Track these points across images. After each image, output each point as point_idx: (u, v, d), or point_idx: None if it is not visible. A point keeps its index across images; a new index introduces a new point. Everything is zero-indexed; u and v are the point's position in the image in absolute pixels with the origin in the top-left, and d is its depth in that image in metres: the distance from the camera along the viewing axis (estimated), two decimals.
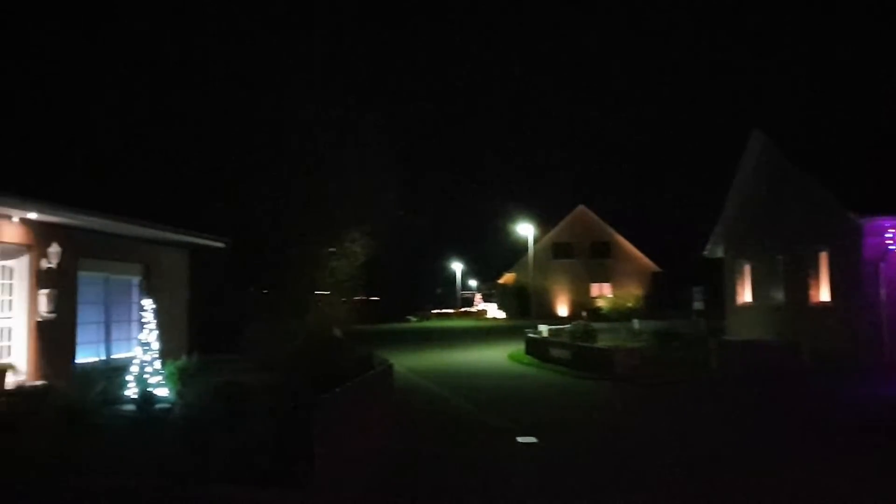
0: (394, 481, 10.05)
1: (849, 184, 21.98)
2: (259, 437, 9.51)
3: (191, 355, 16.75)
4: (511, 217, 61.27)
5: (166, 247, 18.36)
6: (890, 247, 20.98)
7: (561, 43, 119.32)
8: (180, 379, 14.92)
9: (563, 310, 60.80)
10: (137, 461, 9.64)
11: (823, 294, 23.87)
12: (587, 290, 61.97)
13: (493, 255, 73.29)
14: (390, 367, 16.15)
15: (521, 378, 22.79)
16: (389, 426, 13.40)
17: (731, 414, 15.22)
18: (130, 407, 13.54)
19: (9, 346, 13.27)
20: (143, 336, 14.82)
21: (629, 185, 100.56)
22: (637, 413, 16.15)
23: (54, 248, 13.74)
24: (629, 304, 50.93)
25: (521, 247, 60.15)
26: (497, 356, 29.78)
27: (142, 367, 14.45)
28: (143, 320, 15.08)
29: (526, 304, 57.54)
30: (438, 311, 76.90)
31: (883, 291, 21.06)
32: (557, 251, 63.32)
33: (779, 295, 26.69)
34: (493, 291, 74.29)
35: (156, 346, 14.83)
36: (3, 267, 13.29)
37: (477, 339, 40.07)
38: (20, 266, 13.57)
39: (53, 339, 13.81)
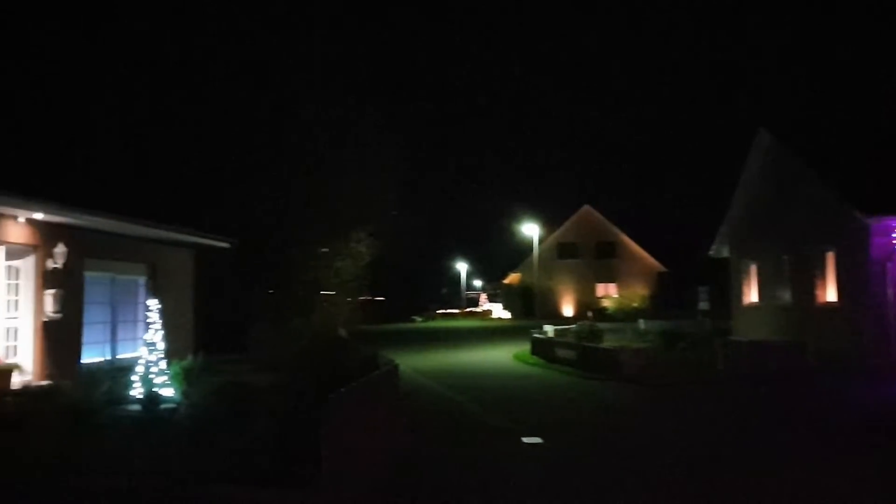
0: (399, 481, 10.03)
1: (855, 183, 21.89)
2: (264, 437, 9.51)
3: (196, 355, 16.77)
4: (516, 217, 61.29)
5: (172, 247, 18.38)
6: None
7: (563, 43, 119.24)
8: (186, 379, 14.93)
9: (568, 310, 60.74)
10: (142, 461, 9.65)
11: (830, 294, 23.78)
12: (592, 291, 61.91)
13: (498, 256, 73.36)
14: (396, 367, 16.14)
15: (526, 378, 22.75)
16: (395, 426, 13.38)
17: (737, 415, 15.16)
18: (136, 407, 13.55)
19: (15, 346, 13.30)
20: (149, 336, 14.82)
21: (634, 185, 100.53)
22: (643, 414, 16.10)
23: (60, 249, 13.77)
24: (635, 305, 50.85)
25: (526, 247, 60.10)
26: (502, 356, 29.75)
27: (147, 367, 14.46)
28: (148, 320, 15.08)
29: (531, 305, 57.51)
30: (443, 311, 76.89)
31: (890, 291, 20.96)
32: (563, 251, 63.25)
33: (785, 295, 26.60)
34: (498, 291, 74.27)
35: (161, 346, 14.83)
36: (10, 267, 13.32)
37: (482, 339, 40.04)
38: (26, 266, 13.60)
39: (59, 339, 13.84)
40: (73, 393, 12.54)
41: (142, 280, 17.73)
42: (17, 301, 13.48)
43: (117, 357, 16.32)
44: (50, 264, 13.73)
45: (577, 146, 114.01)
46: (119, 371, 14.93)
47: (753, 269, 29.61)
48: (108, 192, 19.48)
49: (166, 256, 18.26)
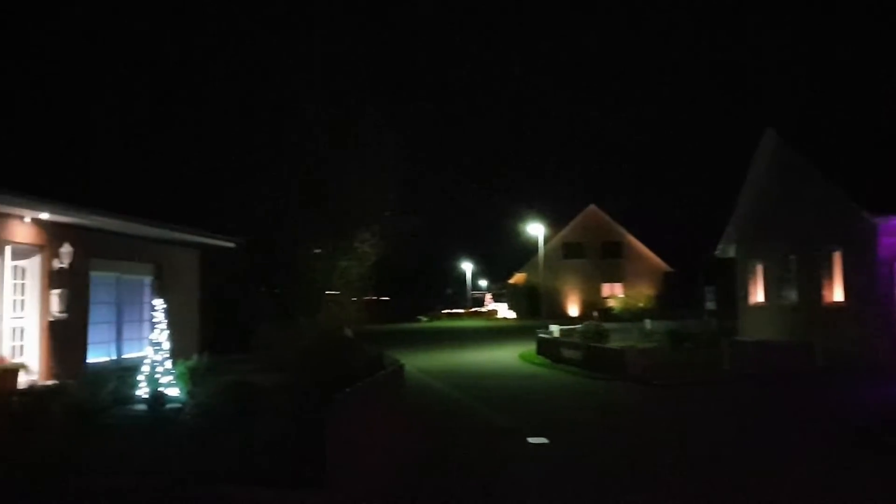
0: (404, 482, 10.01)
1: (863, 183, 21.81)
2: (270, 437, 9.49)
3: (202, 355, 16.75)
4: (521, 217, 61.21)
5: (178, 247, 18.39)
6: None
7: (565, 43, 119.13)
8: (191, 379, 14.91)
9: (573, 310, 60.67)
10: (148, 461, 9.65)
11: (837, 294, 23.69)
12: (598, 290, 61.83)
13: (503, 256, 73.30)
14: (401, 367, 16.12)
15: (532, 378, 22.72)
16: (400, 427, 13.37)
17: (744, 415, 15.10)
18: (141, 407, 13.54)
19: (21, 346, 13.31)
20: (155, 336, 14.81)
21: (640, 184, 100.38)
22: (649, 414, 16.06)
23: (66, 249, 13.78)
24: (641, 305, 50.70)
25: (531, 247, 60.05)
26: (508, 356, 29.72)
27: (153, 367, 14.45)
28: (154, 320, 15.08)
29: (536, 305, 57.45)
30: (449, 311, 76.90)
31: None
32: (568, 251, 63.18)
33: (792, 295, 26.51)
34: (504, 291, 74.22)
35: (167, 345, 14.82)
36: (16, 267, 13.33)
37: (487, 339, 40.02)
38: (32, 266, 13.62)
39: (65, 338, 13.85)
40: (79, 392, 12.54)
41: (147, 280, 17.73)
42: (23, 301, 13.49)
43: (123, 357, 16.32)
44: (56, 264, 13.73)
45: (582, 146, 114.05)
46: (125, 371, 14.93)
47: (760, 268, 29.51)
48: (113, 193, 19.51)
49: (172, 256, 18.27)
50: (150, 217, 15.71)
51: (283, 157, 19.05)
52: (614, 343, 26.73)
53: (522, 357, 29.03)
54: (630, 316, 43.24)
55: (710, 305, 32.75)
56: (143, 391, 14.17)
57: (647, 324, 34.74)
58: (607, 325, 31.18)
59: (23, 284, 13.53)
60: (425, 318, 67.27)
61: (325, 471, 8.24)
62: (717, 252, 32.58)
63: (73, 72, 23.99)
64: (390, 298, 60.11)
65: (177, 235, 17.27)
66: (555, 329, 31.52)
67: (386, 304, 56.89)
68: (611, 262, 62.76)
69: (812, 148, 24.95)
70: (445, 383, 21.39)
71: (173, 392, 14.19)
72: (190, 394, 14.00)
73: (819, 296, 24.35)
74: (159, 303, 15.31)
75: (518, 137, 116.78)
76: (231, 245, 19.41)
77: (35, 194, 12.45)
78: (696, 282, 39.44)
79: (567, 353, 25.89)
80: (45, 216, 13.06)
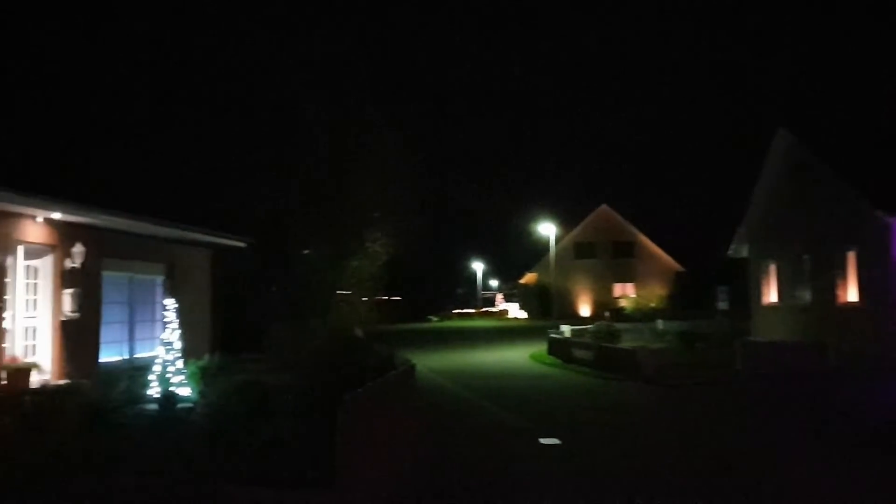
0: (415, 482, 9.97)
1: (877, 182, 21.63)
2: (280, 437, 9.48)
3: (213, 355, 16.80)
4: (532, 217, 61.12)
5: (189, 247, 18.43)
6: None
7: (573, 43, 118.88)
8: (202, 378, 14.95)
9: (585, 310, 60.49)
10: (158, 461, 9.65)
11: (851, 294, 23.51)
12: (610, 290, 61.63)
13: (514, 255, 73.24)
14: (412, 367, 16.09)
15: (543, 378, 22.66)
16: (412, 427, 13.33)
17: (757, 416, 14.99)
18: (153, 406, 13.59)
19: (34, 346, 13.36)
20: (166, 335, 14.86)
21: (652, 184, 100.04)
22: (661, 415, 15.97)
23: (78, 248, 13.82)
24: (653, 305, 50.52)
25: (542, 247, 59.94)
26: (519, 357, 29.66)
27: (164, 367, 14.50)
28: (165, 320, 15.12)
29: (548, 305, 57.33)
30: (459, 311, 76.88)
31: None
32: (579, 251, 63.01)
33: (805, 295, 26.33)
34: (515, 291, 74.12)
35: (178, 345, 14.87)
36: (28, 267, 13.38)
37: (498, 339, 39.96)
38: (45, 266, 13.66)
39: (77, 338, 13.90)
40: (91, 392, 12.58)
41: (159, 279, 17.77)
42: (35, 300, 13.53)
43: (135, 356, 16.36)
44: (68, 264, 13.77)
45: (593, 146, 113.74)
46: (136, 370, 14.97)
47: (773, 268, 29.33)
48: (124, 193, 19.58)
49: (184, 256, 18.30)
50: (162, 217, 15.74)
51: (292, 157, 19.04)
52: (626, 343, 26.63)
53: (533, 357, 28.96)
54: (642, 316, 43.08)
55: (723, 305, 32.52)
56: (154, 391, 14.22)
57: (659, 324, 34.59)
58: (619, 326, 31.08)
59: (35, 284, 13.58)
60: (436, 318, 67.24)
61: (335, 471, 8.20)
62: (729, 252, 32.41)
63: (81, 73, 24.13)
64: (401, 298, 60.08)
65: (188, 235, 17.30)
66: (566, 329, 31.44)
67: (397, 303, 56.86)
68: (622, 262, 62.54)
69: (825, 147, 24.77)
70: (456, 383, 21.35)
71: (185, 392, 14.23)
72: (201, 393, 14.05)
73: (833, 296, 24.18)
74: (171, 302, 15.36)
75: (531, 138, 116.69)
76: (242, 244, 19.44)
77: (47, 194, 12.50)
78: (709, 282, 39.19)
79: (578, 353, 25.81)
80: (57, 216, 13.10)
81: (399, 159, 18.39)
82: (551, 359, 27.92)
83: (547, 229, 57.40)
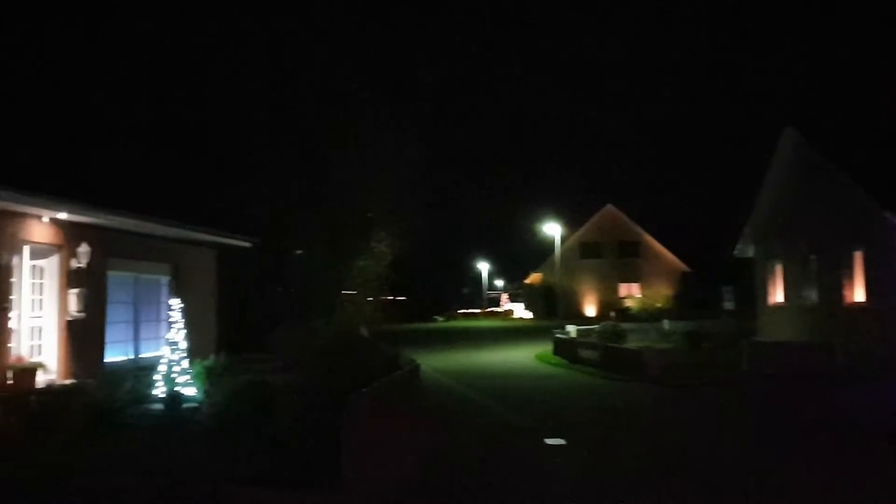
0: (421, 483, 9.95)
1: (884, 182, 21.53)
2: (285, 437, 9.47)
3: (218, 355, 16.82)
4: (538, 216, 61.01)
5: (194, 247, 18.45)
6: None
7: (579, 43, 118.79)
8: (208, 378, 14.95)
9: (590, 310, 60.42)
10: (164, 461, 9.64)
11: (858, 294, 23.42)
12: (615, 290, 61.53)
13: (519, 255, 73.14)
14: (417, 367, 16.06)
15: (548, 379, 22.62)
16: (416, 427, 13.30)
17: (764, 416, 14.93)
18: (158, 406, 13.59)
19: (39, 345, 13.39)
20: (172, 335, 14.87)
21: (658, 184, 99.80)
22: (668, 415, 15.93)
23: (84, 248, 13.84)
24: (658, 305, 50.44)
25: (548, 246, 59.84)
26: (524, 357, 29.62)
27: (170, 367, 14.50)
28: (171, 320, 15.13)
29: (553, 305, 57.26)
30: (465, 311, 76.84)
31: None
32: (585, 251, 62.93)
33: (812, 295, 26.24)
34: (520, 291, 74.08)
35: (184, 345, 14.87)
36: (34, 266, 13.40)
37: (504, 339, 39.93)
38: (50, 266, 13.69)
39: (83, 338, 13.91)
40: (97, 392, 12.60)
41: (165, 279, 17.79)
42: (41, 300, 13.56)
43: (140, 356, 16.39)
44: (74, 264, 13.79)
45: (599, 146, 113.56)
46: (142, 370, 14.99)
47: (779, 269, 29.23)
48: (129, 193, 19.59)
49: (189, 256, 18.32)
50: (167, 217, 15.76)
51: (295, 157, 19.05)
52: (632, 343, 26.58)
53: (539, 357, 28.92)
54: (647, 316, 43.03)
55: (729, 306, 32.47)
56: (160, 390, 14.22)
57: (665, 324, 34.53)
58: (624, 326, 31.05)
59: (41, 284, 13.60)
60: (441, 318, 67.23)
61: (341, 471, 8.19)
62: (735, 252, 32.30)
63: (84, 73, 24.16)
64: (406, 298, 60.08)
65: (193, 235, 17.32)
66: (571, 329, 31.40)
67: (402, 303, 56.86)
68: (628, 262, 62.43)
69: (832, 147, 24.67)
70: (462, 383, 21.33)
71: (190, 391, 14.23)
72: (206, 393, 14.04)
73: (840, 296, 24.08)
74: (176, 302, 15.36)
75: (535, 137, 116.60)
76: (247, 245, 19.46)
77: (53, 194, 12.51)
78: (715, 282, 39.12)
79: (584, 353, 25.76)
80: (63, 216, 13.12)
81: (402, 159, 18.40)
82: (557, 359, 27.87)
83: (552, 229, 57.29)
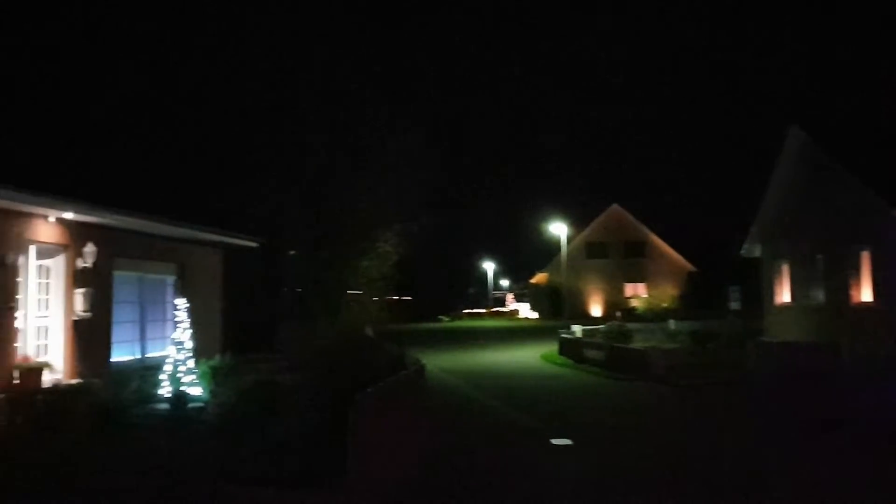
0: (426, 483, 9.94)
1: (892, 181, 21.43)
2: (291, 437, 9.46)
3: (224, 354, 16.79)
4: (543, 216, 60.95)
5: (200, 246, 18.45)
6: None
7: (592, 41, 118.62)
8: (213, 378, 14.95)
9: (596, 310, 60.32)
10: (169, 461, 9.65)
11: (865, 294, 23.32)
12: (621, 290, 61.42)
13: (525, 255, 73.13)
14: (423, 367, 16.05)
15: (554, 379, 22.59)
16: (422, 427, 13.29)
17: (770, 417, 14.87)
18: (164, 406, 13.60)
19: (45, 345, 13.40)
20: (177, 335, 14.88)
21: (664, 184, 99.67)
22: (674, 416, 15.89)
23: (90, 248, 13.85)
24: (664, 305, 50.33)
25: (553, 246, 59.78)
26: (530, 357, 29.59)
27: (175, 366, 14.51)
28: (177, 319, 15.14)
29: (559, 305, 57.19)
30: (470, 311, 76.77)
31: None
32: (591, 251, 62.82)
33: (818, 295, 26.13)
34: (526, 291, 73.98)
35: (189, 345, 14.88)
36: (40, 266, 13.42)
37: (509, 339, 39.90)
38: (56, 265, 13.70)
39: (89, 337, 13.93)
40: (103, 391, 12.60)
41: (170, 279, 17.80)
42: (47, 300, 13.57)
43: (146, 356, 16.39)
44: (80, 263, 13.80)
45: (605, 146, 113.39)
46: (148, 370, 15.00)
47: (786, 268, 29.13)
48: (134, 193, 19.64)
49: (195, 256, 18.33)
50: (173, 216, 15.76)
51: (301, 158, 19.06)
52: (638, 343, 26.51)
53: (545, 357, 28.89)
54: (653, 316, 42.93)
55: (735, 305, 32.36)
56: (165, 390, 14.24)
57: (671, 324, 34.43)
58: (630, 326, 30.96)
59: (47, 284, 13.62)
60: (447, 318, 67.19)
61: (347, 471, 8.18)
62: (742, 251, 32.21)
63: (89, 73, 24.21)
64: (412, 298, 60.07)
65: (199, 235, 17.33)
66: (577, 329, 31.35)
67: (407, 303, 56.86)
68: (634, 262, 62.31)
69: (839, 145, 24.57)
70: (467, 383, 21.31)
71: (196, 391, 14.23)
72: (212, 393, 14.05)
73: (847, 296, 23.98)
74: (182, 302, 15.37)
75: (541, 137, 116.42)
76: (253, 244, 19.46)
77: (60, 194, 12.53)
78: (721, 282, 39.00)
79: (590, 353, 25.72)
80: (69, 216, 13.13)
81: (406, 159, 18.39)
82: (562, 359, 27.84)
83: (558, 229, 57.23)
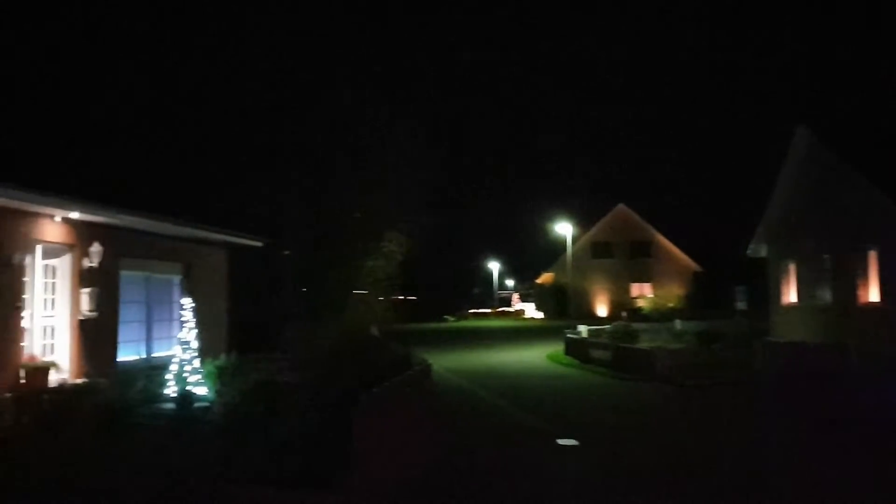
0: (431, 483, 9.91)
1: None
2: (296, 437, 9.45)
3: (230, 354, 16.80)
4: (549, 216, 60.83)
5: (206, 246, 18.47)
6: None
7: (583, 43, 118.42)
8: (219, 378, 14.95)
9: (602, 310, 60.22)
10: (174, 461, 9.65)
11: (872, 294, 23.22)
12: (627, 290, 61.31)
13: (530, 255, 72.95)
14: (428, 366, 16.05)
15: (560, 379, 22.55)
16: (427, 427, 13.28)
17: (777, 417, 14.82)
18: (170, 405, 13.61)
19: (52, 345, 13.42)
20: (183, 335, 14.89)
21: (670, 183, 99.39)
22: (681, 416, 15.84)
23: (96, 248, 13.86)
24: (670, 305, 50.23)
25: (559, 246, 59.65)
26: (536, 357, 29.55)
27: (181, 366, 14.52)
28: (182, 319, 15.15)
29: (564, 305, 57.09)
30: (476, 310, 76.69)
31: None
32: (596, 251, 62.72)
33: (825, 295, 26.04)
34: (531, 291, 73.86)
35: (195, 344, 14.89)
36: (46, 266, 13.44)
37: (515, 339, 39.86)
38: (62, 265, 13.72)
39: (95, 337, 13.94)
40: (109, 391, 12.61)
41: (176, 279, 17.81)
42: (53, 300, 13.59)
43: (152, 355, 16.41)
44: (86, 263, 13.82)
45: (610, 145, 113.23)
46: (154, 369, 15.01)
47: (792, 268, 29.03)
48: (140, 192, 19.66)
49: (201, 255, 18.34)
50: (179, 216, 15.78)
51: (314, 157, 19.08)
52: (644, 343, 26.46)
53: (550, 357, 28.85)
54: (659, 316, 42.86)
55: (741, 306, 32.26)
56: (171, 390, 14.24)
57: (677, 324, 34.35)
58: (636, 326, 30.90)
59: (53, 283, 13.64)
60: (452, 318, 67.15)
61: (351, 471, 8.17)
62: (748, 251, 32.11)
63: (95, 73, 24.26)
64: (417, 298, 60.04)
65: (205, 234, 17.34)
66: (583, 329, 31.30)
67: (412, 303, 56.82)
68: (640, 262, 62.19)
69: (846, 145, 24.48)
70: (473, 383, 21.29)
71: (201, 391, 14.24)
72: (218, 393, 14.05)
73: (854, 296, 23.89)
74: (188, 302, 15.38)
75: (546, 137, 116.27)
76: (259, 244, 19.47)
77: (66, 194, 12.54)
78: (727, 282, 38.90)
79: (596, 353, 25.68)
80: (75, 215, 13.15)
81: (409, 159, 18.41)
82: (568, 359, 27.79)
83: (564, 229, 57.10)
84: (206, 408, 13.23)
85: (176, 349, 14.94)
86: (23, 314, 12.35)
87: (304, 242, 19.65)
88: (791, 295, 29.09)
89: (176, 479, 8.70)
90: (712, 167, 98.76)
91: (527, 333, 43.75)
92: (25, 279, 12.55)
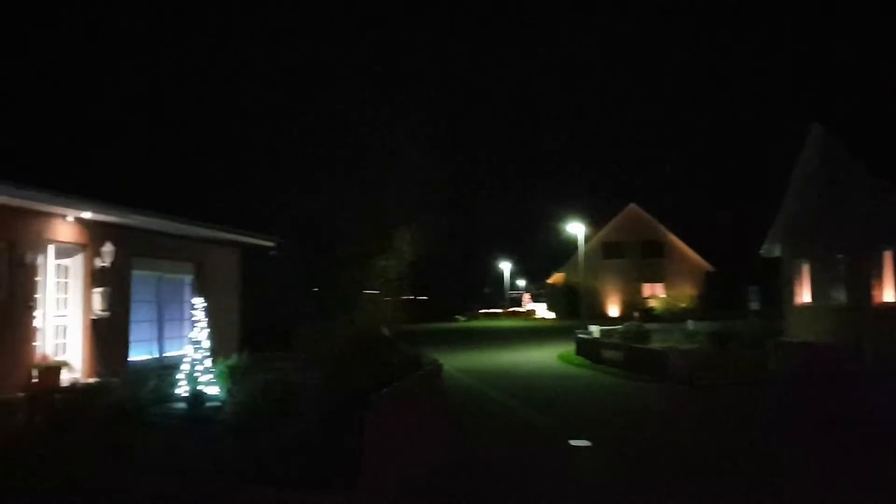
0: (442, 484, 9.87)
1: None
2: (307, 437, 9.43)
3: (241, 353, 16.81)
4: (560, 216, 60.65)
5: (218, 246, 18.50)
6: None
7: (584, 43, 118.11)
8: (231, 377, 14.94)
9: (613, 310, 60.03)
10: (184, 460, 9.65)
11: (887, 294, 23.00)
12: (639, 291, 61.08)
13: (541, 255, 72.83)
14: (439, 366, 16.00)
15: (572, 379, 22.47)
16: (438, 427, 13.24)
17: (790, 418, 14.71)
18: (181, 405, 13.60)
19: (64, 344, 13.47)
20: (195, 334, 14.89)
21: (682, 183, 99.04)
22: (694, 417, 15.74)
23: (108, 248, 13.90)
24: (683, 305, 49.97)
25: (570, 246, 59.44)
26: (547, 357, 29.47)
27: (193, 366, 14.51)
28: (194, 318, 15.16)
29: (575, 305, 56.90)
30: (486, 310, 76.63)
31: None
32: (608, 251, 62.53)
33: (840, 295, 25.82)
34: (542, 291, 73.72)
35: (207, 344, 14.88)
36: (59, 266, 13.49)
37: (526, 339, 39.79)
38: (75, 265, 13.77)
39: (107, 336, 13.99)
40: (121, 391, 12.63)
41: (188, 278, 17.86)
42: (65, 299, 13.64)
43: (164, 355, 16.45)
44: (98, 263, 13.86)
45: (626, 144, 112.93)
46: (165, 369, 15.02)
47: (806, 268, 28.80)
48: (152, 192, 19.72)
49: (212, 255, 18.38)
50: (191, 216, 15.80)
51: (326, 158, 19.11)
52: (656, 344, 26.33)
53: (562, 358, 28.76)
54: (671, 316, 42.65)
55: (755, 306, 32.09)
56: (183, 389, 14.24)
57: (690, 324, 34.17)
58: (648, 326, 30.78)
59: (66, 283, 13.69)
60: (463, 318, 67.11)
61: (362, 472, 8.14)
62: (761, 251, 31.90)
63: (107, 74, 24.36)
64: (428, 298, 60.03)
65: (217, 234, 17.37)
66: (594, 329, 31.20)
67: (423, 303, 56.81)
68: (651, 262, 61.95)
69: (860, 144, 24.26)
70: (484, 383, 21.24)
71: (213, 390, 14.23)
72: (229, 392, 14.04)
73: (869, 296, 23.67)
74: (200, 301, 15.39)
75: (561, 136, 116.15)
76: (270, 244, 19.49)
77: (79, 193, 12.58)
78: (740, 282, 38.71)
79: (607, 353, 25.57)
80: (87, 215, 13.19)
81: (424, 160, 18.40)
82: (580, 359, 27.70)
83: (575, 229, 56.89)
84: (217, 407, 13.22)
85: (187, 349, 14.94)
86: (35, 314, 12.40)
87: (315, 242, 19.66)
88: (805, 295, 28.87)
89: (187, 478, 8.69)
90: (726, 167, 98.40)
91: (538, 333, 43.67)
92: (38, 279, 12.60)
